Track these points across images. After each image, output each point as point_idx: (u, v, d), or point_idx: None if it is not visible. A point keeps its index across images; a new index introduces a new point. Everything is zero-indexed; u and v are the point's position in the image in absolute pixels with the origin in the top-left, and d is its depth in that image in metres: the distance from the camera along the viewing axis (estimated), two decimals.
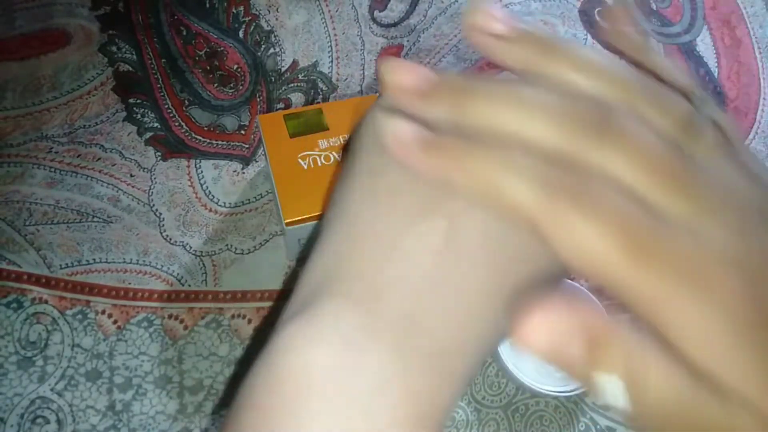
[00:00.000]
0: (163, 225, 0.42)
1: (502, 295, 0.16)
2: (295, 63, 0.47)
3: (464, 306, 0.15)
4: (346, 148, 0.36)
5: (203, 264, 0.41)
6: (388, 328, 0.15)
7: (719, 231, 0.14)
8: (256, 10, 0.48)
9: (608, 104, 0.15)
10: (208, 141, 0.44)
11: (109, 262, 0.41)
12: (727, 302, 0.13)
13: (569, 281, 0.40)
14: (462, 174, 0.15)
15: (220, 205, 0.43)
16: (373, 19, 0.49)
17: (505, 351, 0.38)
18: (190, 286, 0.41)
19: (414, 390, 0.14)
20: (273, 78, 0.47)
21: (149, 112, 0.45)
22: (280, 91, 0.46)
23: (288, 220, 0.35)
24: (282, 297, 0.41)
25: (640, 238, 0.14)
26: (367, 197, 0.16)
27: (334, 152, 0.37)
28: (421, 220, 0.16)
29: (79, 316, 0.40)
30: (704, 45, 0.51)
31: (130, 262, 0.41)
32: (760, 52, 0.51)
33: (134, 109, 0.45)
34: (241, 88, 0.46)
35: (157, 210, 0.42)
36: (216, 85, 0.46)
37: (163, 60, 0.46)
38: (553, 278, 0.17)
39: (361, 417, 0.14)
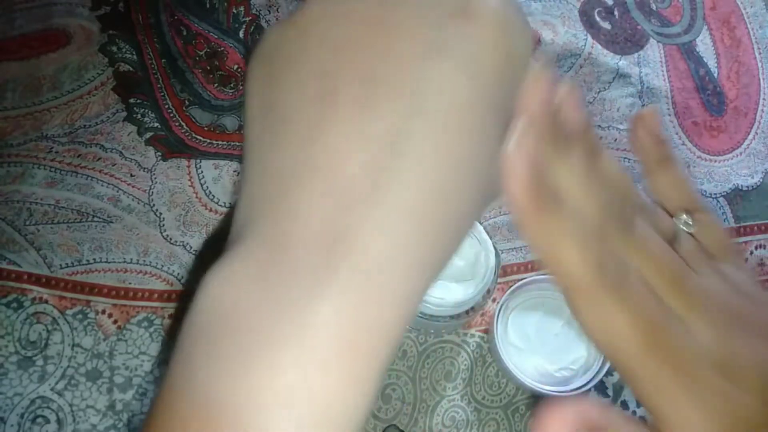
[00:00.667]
0: (164, 225, 0.42)
1: (437, 190, 0.15)
2: None
3: (388, 215, 0.14)
4: None
5: (203, 264, 0.41)
6: (305, 252, 0.14)
7: (707, 329, 0.18)
8: (257, 10, 0.48)
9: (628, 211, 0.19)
10: (208, 141, 0.44)
11: (109, 262, 0.41)
12: (714, 403, 0.16)
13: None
14: (539, 228, 0.16)
15: (221, 205, 0.43)
16: None
17: (505, 351, 0.38)
18: (190, 285, 0.41)
19: (343, 313, 0.13)
20: None
21: (149, 112, 0.45)
22: None
23: None
24: None
25: (657, 331, 0.17)
26: (261, 132, 0.16)
27: None
28: (317, 133, 0.15)
29: (80, 316, 0.40)
30: (704, 45, 0.51)
31: (131, 262, 0.41)
32: (760, 53, 0.51)
33: (134, 109, 0.45)
34: (241, 88, 0.46)
35: (157, 210, 0.42)
36: (216, 85, 0.46)
37: (163, 60, 0.46)
38: (491, 172, 0.16)
39: (280, 355, 0.13)
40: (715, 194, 0.47)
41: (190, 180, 0.43)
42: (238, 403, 0.13)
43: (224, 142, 0.44)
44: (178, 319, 0.40)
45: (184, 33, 0.47)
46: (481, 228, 0.37)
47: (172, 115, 0.45)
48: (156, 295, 0.40)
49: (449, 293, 0.35)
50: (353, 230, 0.14)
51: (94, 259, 0.41)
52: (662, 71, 0.50)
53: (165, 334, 0.40)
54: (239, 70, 0.46)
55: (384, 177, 0.14)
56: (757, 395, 0.17)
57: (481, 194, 0.16)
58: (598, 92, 0.48)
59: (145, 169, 0.43)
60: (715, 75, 0.50)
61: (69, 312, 0.40)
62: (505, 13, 0.16)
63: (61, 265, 0.40)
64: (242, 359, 0.13)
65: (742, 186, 0.47)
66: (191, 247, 0.42)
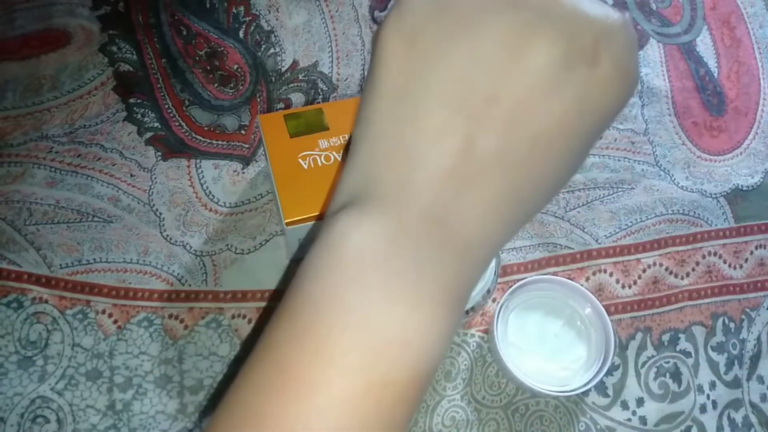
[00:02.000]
0: (164, 225, 0.42)
1: (519, 201, 0.19)
2: (295, 63, 0.47)
3: (483, 212, 0.18)
4: (347, 148, 0.37)
5: (203, 264, 0.41)
6: (420, 227, 0.18)
7: None
8: (257, 10, 0.48)
9: None
10: (208, 141, 0.44)
11: (109, 262, 0.41)
12: None
13: (570, 281, 0.40)
14: None
15: (220, 205, 0.43)
16: (374, 19, 0.49)
17: (506, 351, 0.38)
18: (190, 285, 0.41)
19: (447, 274, 0.18)
20: (273, 78, 0.47)
21: (149, 112, 0.45)
22: (281, 91, 0.46)
23: (288, 220, 0.35)
24: (281, 297, 0.41)
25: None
26: (391, 117, 0.19)
27: (334, 152, 0.37)
28: (441, 138, 0.18)
29: (80, 316, 0.40)
30: (704, 45, 0.51)
31: (131, 262, 0.41)
32: (760, 52, 0.51)
33: (134, 109, 0.45)
34: (241, 88, 0.46)
35: (157, 210, 0.42)
36: (216, 85, 0.46)
37: (163, 60, 0.46)
38: (562, 184, 0.20)
39: (408, 290, 0.17)
40: (716, 194, 0.47)
41: (190, 180, 0.43)
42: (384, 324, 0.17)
43: (224, 142, 0.44)
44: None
45: (184, 33, 0.47)
46: None
47: (172, 115, 0.45)
48: (156, 295, 0.40)
49: None
50: (456, 221, 0.18)
51: (94, 259, 0.41)
52: (662, 71, 0.50)
53: (165, 333, 0.40)
54: (239, 69, 0.46)
55: (482, 183, 0.18)
56: None
57: (550, 196, 0.20)
58: None
59: (145, 169, 0.43)
60: (716, 75, 0.50)
61: (69, 312, 0.40)
62: (627, 64, 0.19)
63: (61, 265, 0.40)
64: (377, 294, 0.17)
65: (742, 186, 0.47)
66: (191, 247, 0.42)
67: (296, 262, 0.42)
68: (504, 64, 0.18)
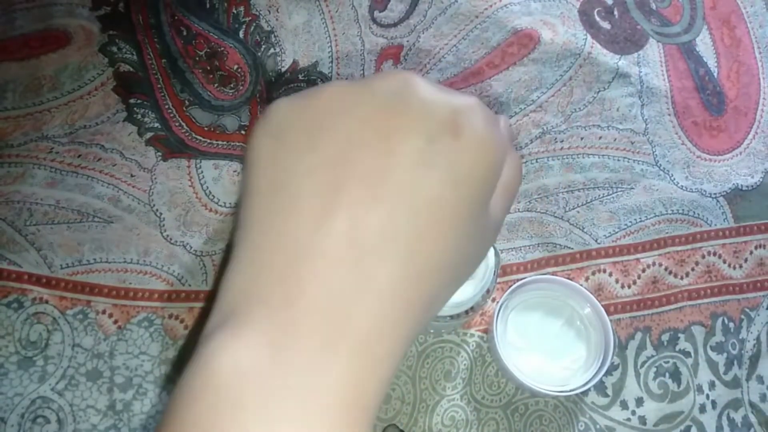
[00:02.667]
0: (164, 225, 0.42)
1: (418, 278, 0.18)
2: (295, 63, 0.47)
3: (380, 295, 0.17)
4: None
5: (203, 264, 0.41)
6: (311, 325, 0.16)
7: None
8: (256, 10, 0.48)
9: None
10: (208, 141, 0.45)
11: (109, 262, 0.41)
12: None
13: (569, 281, 0.40)
14: None
15: (221, 205, 0.43)
16: (373, 20, 0.49)
17: (505, 351, 0.38)
18: (190, 286, 0.41)
19: (344, 380, 0.16)
20: (273, 78, 0.47)
21: (150, 113, 0.45)
22: (281, 91, 0.46)
23: None
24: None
25: None
26: (267, 215, 0.18)
27: None
28: (320, 225, 0.17)
29: (80, 316, 0.40)
30: (704, 45, 0.51)
31: (131, 262, 0.41)
32: (760, 52, 0.51)
33: (135, 109, 0.45)
34: (241, 88, 0.46)
35: (157, 210, 0.42)
36: (216, 85, 0.46)
37: (163, 60, 0.46)
38: (477, 259, 0.20)
39: (294, 411, 0.15)
40: (715, 194, 0.47)
41: (190, 180, 0.43)
42: None
43: (224, 142, 0.45)
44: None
45: (184, 33, 0.47)
46: None
47: (172, 115, 0.45)
48: (156, 295, 0.41)
49: None
50: (349, 312, 0.16)
51: (95, 260, 0.41)
52: (662, 71, 0.50)
53: (165, 333, 0.40)
54: (239, 70, 0.46)
55: (373, 266, 0.17)
56: None
57: (458, 272, 0.20)
58: (598, 92, 0.48)
59: (146, 170, 0.43)
60: (715, 75, 0.50)
61: (69, 312, 0.40)
62: (487, 136, 0.19)
63: (61, 265, 0.41)
64: (258, 416, 0.15)
65: (742, 186, 0.47)
66: (191, 247, 0.42)
67: None
68: (372, 146, 0.18)
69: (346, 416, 0.16)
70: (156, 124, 0.45)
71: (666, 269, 0.44)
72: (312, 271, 0.17)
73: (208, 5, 0.48)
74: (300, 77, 0.47)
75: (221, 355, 0.16)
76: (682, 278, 0.44)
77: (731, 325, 0.44)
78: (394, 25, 0.49)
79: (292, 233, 0.17)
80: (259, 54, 0.47)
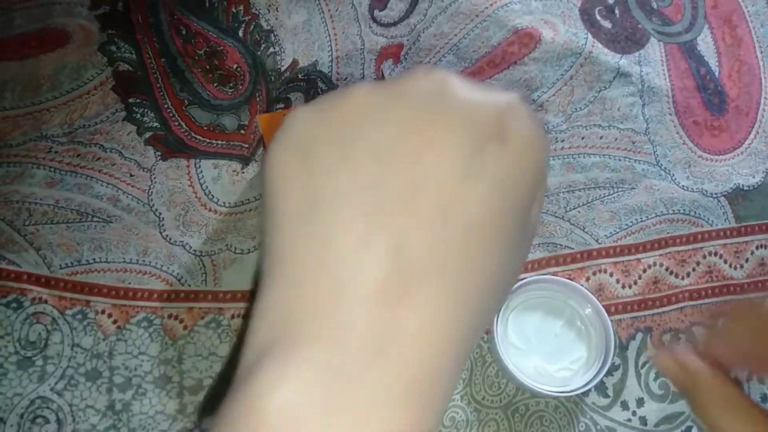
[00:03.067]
0: (163, 225, 0.42)
1: (470, 303, 0.16)
2: (294, 62, 0.47)
3: (432, 329, 0.15)
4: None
5: (203, 264, 0.41)
6: (357, 365, 0.15)
7: None
8: (256, 9, 0.48)
9: None
10: (207, 141, 0.44)
11: (108, 262, 0.41)
12: None
13: (570, 281, 0.40)
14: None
15: (220, 205, 0.43)
16: (373, 19, 0.48)
17: (506, 351, 0.38)
18: (189, 286, 0.41)
19: (395, 425, 0.15)
20: (273, 77, 0.47)
21: (149, 112, 0.45)
22: (280, 90, 0.46)
23: None
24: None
25: None
26: (301, 241, 0.17)
27: None
28: (363, 252, 0.16)
29: (79, 316, 0.40)
30: (705, 44, 0.51)
31: (130, 262, 0.41)
32: (761, 51, 0.51)
33: (134, 108, 0.45)
34: (240, 87, 0.46)
35: (156, 210, 0.42)
36: (215, 84, 0.46)
37: (162, 59, 0.46)
38: (519, 269, 0.19)
39: None
40: (716, 194, 0.47)
41: (189, 180, 0.43)
42: None
43: (224, 142, 0.44)
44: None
45: (184, 32, 0.47)
46: None
47: (171, 114, 0.45)
48: (156, 295, 0.40)
49: None
50: (401, 350, 0.15)
51: (94, 259, 0.41)
52: (663, 70, 0.49)
53: (165, 333, 0.40)
54: (239, 69, 0.46)
55: (422, 297, 0.15)
56: None
57: (505, 287, 0.18)
58: (599, 91, 0.48)
59: (145, 169, 0.43)
60: (717, 74, 0.50)
61: (68, 312, 0.40)
62: (535, 138, 0.18)
63: (60, 265, 0.40)
64: None
65: (743, 185, 0.47)
66: (191, 247, 0.42)
67: None
68: (412, 159, 0.16)
69: None
70: (155, 124, 0.44)
71: (667, 269, 0.44)
72: (357, 306, 0.15)
73: (207, 4, 0.48)
74: (300, 76, 0.47)
75: (269, 396, 0.15)
76: (683, 278, 0.44)
77: None
78: (394, 24, 0.49)
79: (332, 265, 0.16)
80: (259, 53, 0.47)
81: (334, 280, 0.16)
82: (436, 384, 0.15)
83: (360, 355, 0.15)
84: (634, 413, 0.41)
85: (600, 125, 0.47)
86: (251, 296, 0.40)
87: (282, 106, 0.46)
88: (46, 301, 0.40)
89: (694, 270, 0.45)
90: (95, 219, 0.42)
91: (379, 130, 0.17)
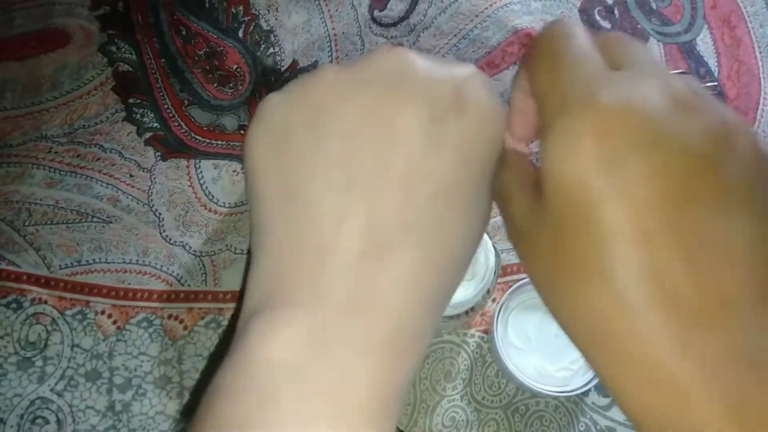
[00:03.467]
0: (163, 225, 0.42)
1: (437, 265, 0.18)
2: (294, 63, 0.47)
3: (404, 288, 0.17)
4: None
5: (203, 264, 0.41)
6: (339, 323, 0.17)
7: None
8: (256, 9, 0.48)
9: None
10: (207, 141, 0.44)
11: (108, 263, 0.41)
12: None
13: None
14: None
15: (220, 205, 0.43)
16: (373, 19, 0.49)
17: (506, 351, 0.38)
18: (189, 286, 0.41)
19: (374, 373, 0.16)
20: (272, 78, 0.47)
21: (149, 112, 0.45)
22: None
23: None
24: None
25: None
26: (285, 217, 0.18)
27: None
28: (340, 223, 0.17)
29: (79, 317, 0.40)
30: (704, 44, 0.51)
31: (130, 263, 0.41)
32: (761, 52, 0.51)
33: (134, 109, 0.45)
34: (240, 87, 0.46)
35: (156, 210, 0.42)
36: (215, 84, 0.46)
37: (162, 60, 0.46)
38: (472, 248, 0.20)
39: (328, 404, 0.16)
40: None
41: (189, 180, 0.43)
42: None
43: (223, 142, 0.44)
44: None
45: (184, 33, 0.47)
46: None
47: (171, 115, 0.45)
48: (155, 296, 0.40)
49: None
50: (375, 308, 0.17)
51: (94, 260, 0.41)
52: None
53: (165, 334, 0.40)
54: (238, 69, 0.46)
55: (393, 259, 0.17)
56: None
57: (469, 253, 0.20)
58: None
59: (145, 170, 0.43)
60: (716, 74, 0.50)
61: (68, 312, 0.40)
62: (491, 107, 0.19)
63: (60, 265, 0.40)
64: (293, 411, 0.16)
65: None
66: (191, 248, 0.42)
67: None
68: (378, 135, 0.18)
69: (377, 410, 0.16)
70: (155, 124, 0.44)
71: None
72: (337, 270, 0.17)
73: (207, 5, 0.48)
74: (300, 76, 0.47)
75: (259, 349, 0.16)
76: None
77: None
78: (394, 24, 0.49)
79: (313, 238, 0.17)
80: (259, 53, 0.47)
81: (315, 248, 0.17)
82: (409, 337, 0.17)
83: (340, 312, 0.17)
84: None
85: None
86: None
87: None
88: (45, 302, 0.40)
89: None
90: (95, 219, 0.42)
91: (345, 112, 0.18)
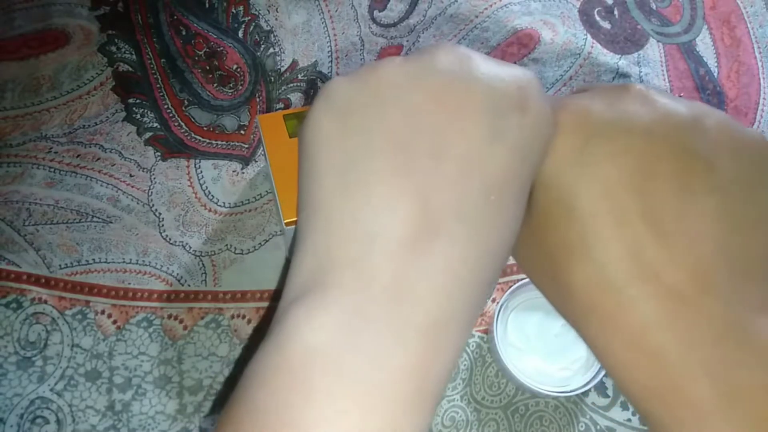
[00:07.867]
0: (163, 225, 0.42)
1: (486, 257, 0.18)
2: (294, 63, 0.47)
3: (451, 279, 0.17)
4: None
5: (203, 264, 0.41)
6: (380, 309, 0.16)
7: None
8: (256, 10, 0.48)
9: None
10: (207, 141, 0.44)
11: (108, 262, 0.41)
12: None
13: None
14: None
15: (220, 205, 0.43)
16: (373, 19, 0.49)
17: (505, 351, 0.38)
18: (189, 286, 0.41)
19: (411, 364, 0.16)
20: (272, 78, 0.47)
21: (149, 112, 0.45)
22: (280, 91, 0.46)
23: (288, 220, 0.35)
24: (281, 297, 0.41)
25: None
26: (338, 195, 0.18)
27: None
28: (394, 205, 0.17)
29: (79, 316, 0.40)
30: (704, 45, 0.51)
31: (130, 262, 0.41)
32: (760, 52, 0.51)
33: (134, 109, 0.45)
34: (240, 88, 0.46)
35: (156, 210, 0.42)
36: (215, 85, 0.46)
37: (162, 60, 0.46)
38: (511, 246, 0.20)
39: (362, 393, 0.15)
40: None
41: (189, 180, 0.43)
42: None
43: (223, 142, 0.44)
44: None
45: (184, 33, 0.47)
46: None
47: (171, 115, 0.45)
48: (155, 296, 0.40)
49: None
50: (419, 298, 0.16)
51: (94, 260, 0.41)
52: (662, 71, 0.50)
53: (165, 334, 0.40)
54: (238, 69, 0.46)
55: (445, 249, 0.17)
56: None
57: (508, 247, 0.19)
58: None
59: (145, 169, 0.43)
60: (715, 74, 0.50)
61: (68, 312, 0.40)
62: (549, 113, 0.20)
63: (60, 265, 0.40)
64: (327, 399, 0.15)
65: None
66: (190, 247, 0.42)
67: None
68: (440, 121, 0.18)
69: (411, 401, 0.16)
70: (155, 124, 0.44)
71: None
72: (385, 254, 0.17)
73: (207, 5, 0.48)
74: (299, 77, 0.47)
75: (297, 333, 0.16)
76: None
77: None
78: (394, 24, 0.49)
79: (365, 217, 0.17)
80: (259, 54, 0.47)
81: (365, 230, 0.17)
82: (450, 327, 0.17)
83: (381, 298, 0.16)
84: (634, 413, 0.41)
85: None
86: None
87: (282, 106, 0.46)
88: (45, 302, 0.40)
89: None
90: (95, 219, 0.42)
91: (410, 95, 0.18)
